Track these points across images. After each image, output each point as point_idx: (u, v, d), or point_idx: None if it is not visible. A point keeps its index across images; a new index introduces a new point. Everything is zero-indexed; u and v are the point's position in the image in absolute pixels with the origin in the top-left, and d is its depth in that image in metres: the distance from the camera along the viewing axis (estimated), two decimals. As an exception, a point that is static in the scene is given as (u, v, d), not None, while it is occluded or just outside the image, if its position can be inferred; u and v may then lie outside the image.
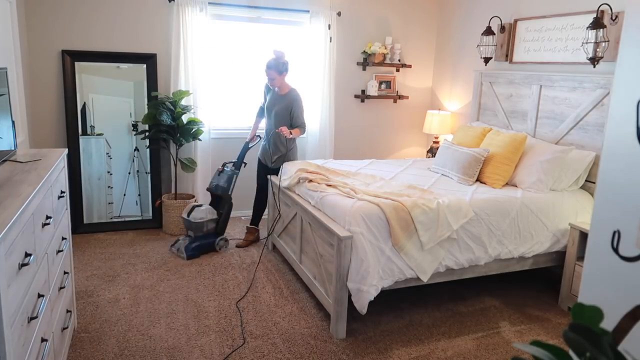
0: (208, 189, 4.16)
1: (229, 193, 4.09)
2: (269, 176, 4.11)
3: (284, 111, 3.97)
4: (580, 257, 3.15)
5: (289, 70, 3.99)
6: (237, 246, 4.12)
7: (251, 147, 4.27)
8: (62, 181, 2.51)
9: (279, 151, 4.03)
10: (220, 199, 4.09)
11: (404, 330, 2.93)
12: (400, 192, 3.17)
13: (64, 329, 2.35)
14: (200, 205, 3.99)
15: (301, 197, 3.45)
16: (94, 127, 4.35)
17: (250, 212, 4.98)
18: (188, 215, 3.90)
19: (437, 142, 5.08)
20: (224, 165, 4.17)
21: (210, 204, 4.11)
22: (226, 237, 4.08)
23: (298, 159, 4.14)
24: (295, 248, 3.48)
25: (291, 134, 3.87)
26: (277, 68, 3.89)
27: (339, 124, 5.19)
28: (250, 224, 4.28)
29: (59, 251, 2.29)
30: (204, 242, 3.93)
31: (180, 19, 4.32)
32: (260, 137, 4.22)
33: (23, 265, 1.60)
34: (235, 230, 4.50)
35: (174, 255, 3.91)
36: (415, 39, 5.35)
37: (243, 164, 4.18)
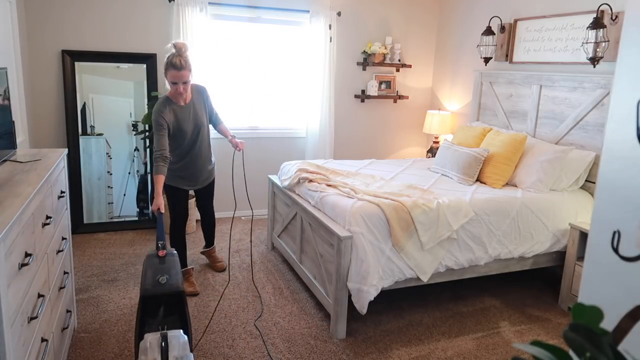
0: (148, 294, 2.22)
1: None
2: (269, 176, 4.11)
3: (202, 118, 3.19)
4: (580, 257, 3.15)
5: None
6: (190, 295, 3.22)
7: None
8: (62, 181, 2.51)
9: (213, 170, 3.46)
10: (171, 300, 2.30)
11: (404, 330, 2.93)
12: (400, 192, 3.17)
13: (64, 329, 2.35)
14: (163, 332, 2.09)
15: (301, 197, 3.45)
16: (94, 127, 4.35)
17: (252, 213, 4.99)
18: None
19: (437, 142, 5.08)
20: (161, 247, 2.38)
21: (147, 312, 2.26)
22: None
23: None
24: (295, 248, 3.48)
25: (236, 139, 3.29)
26: (190, 67, 2.99)
27: (339, 124, 5.19)
28: (181, 268, 2.92)
29: (59, 251, 2.29)
30: None
31: (180, 19, 4.32)
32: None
33: (23, 265, 1.60)
34: (235, 231, 4.50)
35: None
36: (415, 39, 5.35)
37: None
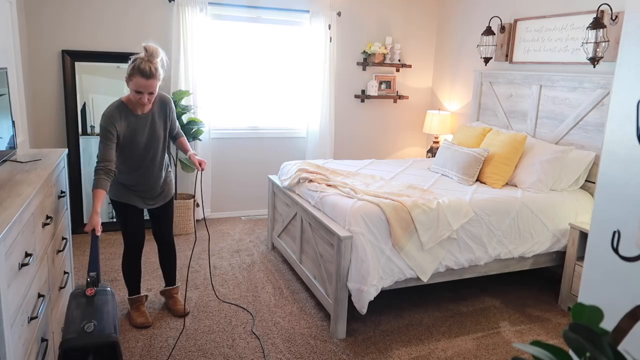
0: (70, 345, 1.87)
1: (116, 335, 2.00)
2: (269, 176, 4.11)
3: (160, 131, 2.74)
4: (580, 257, 3.15)
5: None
6: (141, 327, 2.83)
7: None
8: (62, 181, 2.51)
9: (171, 183, 2.96)
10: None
11: (404, 330, 2.93)
12: (400, 192, 3.17)
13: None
14: None
15: (301, 197, 3.45)
16: (94, 127, 4.35)
17: (251, 212, 4.99)
18: None
19: (437, 142, 5.08)
20: (92, 284, 2.09)
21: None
22: None
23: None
24: (295, 248, 3.48)
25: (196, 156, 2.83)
26: (160, 76, 2.57)
27: (339, 124, 5.19)
28: (132, 295, 2.94)
29: (59, 251, 2.29)
30: None
31: (180, 19, 4.32)
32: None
33: (23, 265, 1.60)
34: (235, 231, 4.50)
35: None
36: (415, 39, 5.35)
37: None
